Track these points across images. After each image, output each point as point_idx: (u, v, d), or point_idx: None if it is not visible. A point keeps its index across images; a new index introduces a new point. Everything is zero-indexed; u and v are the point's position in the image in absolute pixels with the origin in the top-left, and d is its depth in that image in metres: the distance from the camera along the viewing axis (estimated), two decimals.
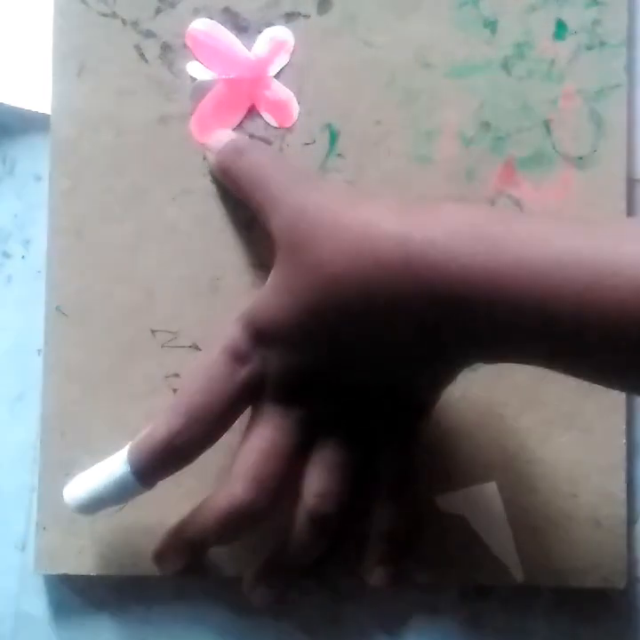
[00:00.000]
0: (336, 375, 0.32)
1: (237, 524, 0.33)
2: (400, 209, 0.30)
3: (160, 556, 0.36)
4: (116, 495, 0.33)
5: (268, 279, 0.33)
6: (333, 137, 0.38)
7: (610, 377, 0.29)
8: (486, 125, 0.38)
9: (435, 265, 0.28)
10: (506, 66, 0.38)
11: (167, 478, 0.33)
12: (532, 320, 0.27)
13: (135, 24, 0.38)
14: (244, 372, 0.33)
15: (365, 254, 0.29)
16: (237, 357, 0.32)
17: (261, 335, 0.32)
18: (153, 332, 0.38)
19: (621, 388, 0.31)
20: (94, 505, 0.33)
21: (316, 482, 0.33)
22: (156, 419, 0.33)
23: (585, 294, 0.26)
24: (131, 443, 0.33)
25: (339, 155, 0.38)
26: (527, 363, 0.30)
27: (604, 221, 0.28)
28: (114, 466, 0.33)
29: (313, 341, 0.31)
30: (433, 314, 0.29)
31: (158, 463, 0.32)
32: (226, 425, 0.33)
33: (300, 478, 0.33)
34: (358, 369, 0.32)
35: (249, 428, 0.33)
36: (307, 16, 0.38)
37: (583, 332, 0.27)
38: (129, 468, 0.32)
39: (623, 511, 0.37)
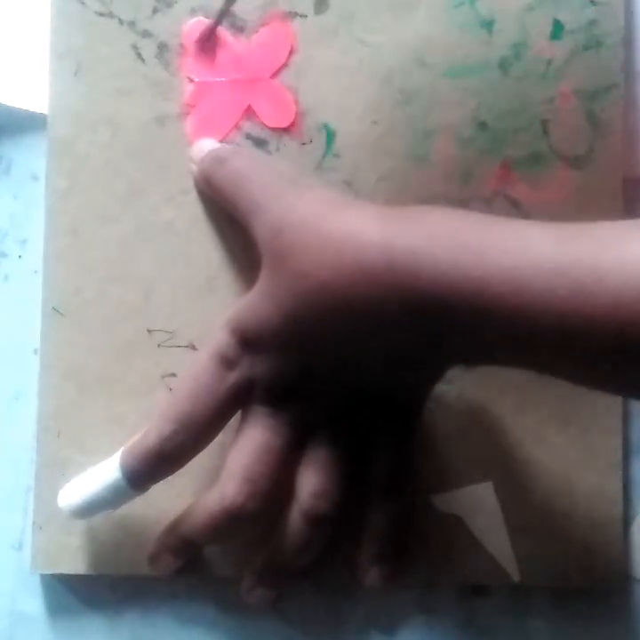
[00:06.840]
0: (322, 379, 0.32)
1: (228, 526, 0.33)
2: (383, 216, 0.30)
3: (154, 557, 0.36)
4: (110, 500, 0.33)
5: (255, 285, 0.33)
6: (330, 137, 0.38)
7: (600, 382, 0.29)
8: (483, 125, 0.38)
9: (417, 272, 0.28)
10: (503, 66, 0.38)
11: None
12: (515, 328, 0.27)
13: (132, 24, 0.38)
14: (232, 378, 0.33)
15: (348, 262, 0.29)
16: (225, 363, 0.33)
17: (248, 341, 0.32)
18: (149, 331, 0.38)
19: (612, 392, 0.31)
20: (88, 510, 0.34)
21: (311, 481, 0.33)
22: (148, 425, 0.33)
23: (568, 302, 0.26)
24: (122, 448, 0.33)
25: (335, 155, 0.38)
26: (513, 367, 0.30)
27: (590, 226, 0.28)
28: (106, 471, 0.33)
29: (298, 348, 0.31)
30: (416, 321, 0.29)
31: (149, 469, 0.33)
32: (216, 430, 0.33)
33: (294, 478, 0.33)
34: (343, 374, 0.32)
35: (239, 429, 0.33)
36: (304, 16, 0.38)
37: (567, 339, 0.27)
38: (121, 474, 0.33)
39: (619, 511, 0.37)
